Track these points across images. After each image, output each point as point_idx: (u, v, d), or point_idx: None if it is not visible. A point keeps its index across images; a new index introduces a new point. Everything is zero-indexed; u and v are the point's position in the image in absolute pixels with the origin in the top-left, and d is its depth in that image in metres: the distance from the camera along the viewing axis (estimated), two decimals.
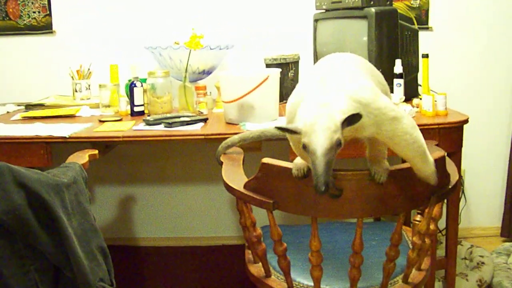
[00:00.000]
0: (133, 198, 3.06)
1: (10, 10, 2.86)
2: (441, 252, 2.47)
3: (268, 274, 1.54)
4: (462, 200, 2.95)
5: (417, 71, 2.48)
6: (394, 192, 1.29)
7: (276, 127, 1.16)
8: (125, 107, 2.41)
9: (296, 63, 2.63)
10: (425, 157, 1.27)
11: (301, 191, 1.30)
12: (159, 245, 3.05)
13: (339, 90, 1.15)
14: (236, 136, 1.77)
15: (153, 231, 3.09)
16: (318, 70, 1.28)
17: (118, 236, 3.04)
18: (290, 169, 1.29)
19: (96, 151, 1.79)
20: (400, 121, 1.20)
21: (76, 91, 2.66)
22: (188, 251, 3.00)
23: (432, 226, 1.46)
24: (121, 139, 2.00)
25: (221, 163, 1.71)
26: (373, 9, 2.24)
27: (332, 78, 1.20)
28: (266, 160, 1.33)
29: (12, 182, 1.29)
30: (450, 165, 1.44)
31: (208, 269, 2.81)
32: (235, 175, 1.55)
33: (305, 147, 1.10)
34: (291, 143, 1.37)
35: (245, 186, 1.41)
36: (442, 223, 2.40)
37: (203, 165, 3.00)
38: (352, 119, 1.09)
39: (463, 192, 2.94)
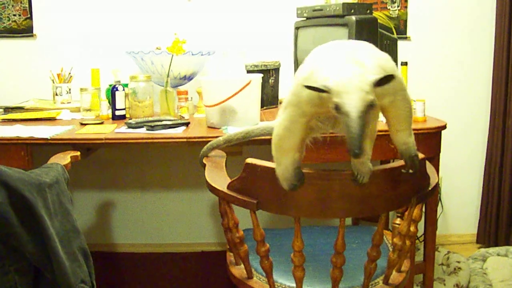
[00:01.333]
0: (112, 204, 3.04)
1: None
2: (419, 258, 2.51)
3: (250, 276, 1.54)
4: (439, 207, 2.99)
5: None
6: (376, 192, 1.31)
7: (304, 86, 1.11)
8: (106, 111, 2.41)
9: (277, 70, 2.65)
10: (411, 127, 1.32)
11: (285, 192, 1.31)
12: (138, 251, 3.03)
13: (368, 56, 1.16)
14: (220, 138, 1.78)
15: (132, 237, 3.07)
16: (335, 44, 1.27)
17: (97, 242, 3.01)
18: (274, 169, 1.30)
19: (78, 153, 1.79)
20: (407, 93, 1.26)
21: (56, 94, 2.64)
22: (168, 257, 2.98)
23: (412, 228, 1.48)
24: (103, 141, 1.99)
25: (204, 166, 1.72)
26: (353, 18, 2.28)
27: (359, 47, 1.22)
28: (250, 160, 1.35)
29: None
30: (429, 168, 1.47)
31: (188, 275, 2.79)
32: (218, 177, 1.56)
33: (337, 108, 1.09)
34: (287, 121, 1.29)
35: (228, 187, 1.41)
36: (419, 230, 2.43)
37: (183, 172, 3.00)
38: (385, 80, 1.09)
39: (440, 199, 2.99)
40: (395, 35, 2.79)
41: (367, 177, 1.27)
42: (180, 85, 2.62)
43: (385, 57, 1.23)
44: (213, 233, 3.08)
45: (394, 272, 1.54)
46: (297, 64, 2.69)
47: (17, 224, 1.32)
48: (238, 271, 1.59)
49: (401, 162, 1.35)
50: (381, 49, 2.38)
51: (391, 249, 1.49)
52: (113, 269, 2.86)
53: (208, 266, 2.88)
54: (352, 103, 1.07)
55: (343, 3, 2.32)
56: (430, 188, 1.42)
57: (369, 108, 1.08)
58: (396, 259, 1.46)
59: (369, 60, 1.15)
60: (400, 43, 2.58)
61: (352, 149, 1.06)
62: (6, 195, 1.29)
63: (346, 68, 1.11)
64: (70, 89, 2.67)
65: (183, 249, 3.05)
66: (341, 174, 1.28)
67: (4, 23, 2.85)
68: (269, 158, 1.89)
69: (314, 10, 2.50)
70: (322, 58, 1.21)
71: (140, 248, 3.05)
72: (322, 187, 1.28)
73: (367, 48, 1.24)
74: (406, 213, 1.42)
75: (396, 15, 2.91)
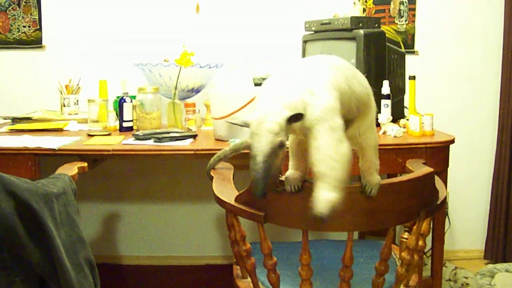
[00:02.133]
0: (118, 216, 3.04)
1: (0, 24, 2.86)
2: (426, 274, 2.48)
3: None
4: (446, 222, 2.97)
5: (404, 93, 2.53)
6: (385, 206, 1.30)
7: (227, 121, 1.18)
8: (113, 123, 2.41)
9: None
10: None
11: (293, 204, 1.30)
12: (143, 264, 3.02)
13: (297, 83, 1.17)
14: (227, 148, 1.77)
15: (136, 249, 3.06)
16: (284, 69, 1.28)
17: (102, 253, 3.00)
18: (282, 182, 1.30)
19: (86, 164, 1.79)
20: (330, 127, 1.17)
21: (64, 105, 2.65)
22: (173, 270, 2.97)
23: (420, 242, 1.47)
24: (110, 152, 1.99)
25: (211, 178, 1.71)
26: (361, 31, 2.28)
27: (295, 72, 1.23)
28: None
29: (1, 190, 1.27)
30: (438, 182, 1.46)
31: None
32: (225, 189, 1.55)
33: (249, 148, 1.13)
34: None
35: (236, 199, 1.41)
36: (427, 246, 2.41)
37: (189, 184, 2.99)
38: (296, 118, 1.11)
39: (447, 214, 2.97)
40: (403, 49, 2.79)
41: (375, 190, 1.27)
42: (188, 98, 2.63)
43: (321, 82, 1.18)
44: (218, 246, 3.07)
45: (402, 287, 1.52)
46: None
47: (23, 234, 1.32)
48: (245, 284, 1.58)
49: (410, 176, 1.35)
50: (389, 63, 2.40)
51: (398, 264, 1.48)
52: (118, 282, 2.85)
53: (213, 279, 2.87)
54: (259, 146, 1.11)
55: (351, 17, 2.32)
56: (438, 202, 1.41)
57: (277, 150, 1.12)
58: (404, 273, 1.44)
59: (296, 91, 1.15)
60: (408, 58, 2.58)
61: (254, 191, 1.11)
62: (14, 205, 1.29)
63: (266, 104, 1.14)
64: (78, 101, 2.68)
65: (188, 262, 3.03)
66: (349, 187, 1.27)
67: (14, 34, 2.87)
68: None
69: (322, 24, 2.51)
70: (263, 86, 1.24)
71: (145, 260, 3.04)
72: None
73: (311, 72, 1.22)
74: (415, 227, 1.41)
75: (404, 30, 2.91)
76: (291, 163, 1.40)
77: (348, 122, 1.27)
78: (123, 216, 3.04)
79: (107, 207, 3.03)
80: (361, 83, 1.30)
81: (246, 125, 1.14)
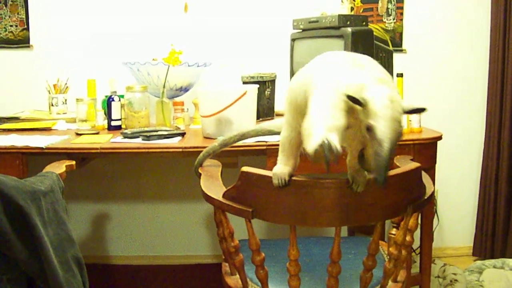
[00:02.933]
0: (107, 215, 3.03)
1: None
2: (415, 271, 2.49)
3: (245, 286, 1.53)
4: (435, 220, 2.99)
5: None
6: (372, 201, 1.31)
7: (346, 95, 1.08)
8: (102, 122, 2.41)
9: (272, 81, 2.65)
10: None
11: (280, 200, 1.31)
12: (133, 264, 3.01)
13: (385, 73, 1.17)
14: (215, 143, 1.77)
15: (126, 249, 3.05)
16: (339, 55, 1.27)
17: (91, 254, 2.99)
18: (269, 177, 1.30)
19: (73, 162, 1.78)
20: None
21: (52, 105, 2.64)
22: (162, 269, 2.96)
23: (408, 237, 1.48)
24: (99, 150, 1.99)
25: (199, 175, 1.71)
26: (349, 29, 2.29)
27: (368, 65, 1.21)
28: (245, 168, 1.34)
29: None
30: (425, 177, 1.47)
31: None
32: (213, 186, 1.55)
33: (369, 129, 1.08)
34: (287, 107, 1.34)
35: (224, 195, 1.41)
36: (416, 243, 2.43)
37: (178, 183, 2.99)
38: (415, 111, 1.11)
39: (436, 212, 2.99)
40: (391, 48, 2.80)
41: (362, 186, 1.27)
42: (176, 96, 2.62)
43: (387, 73, 1.24)
44: (208, 245, 3.06)
45: (390, 282, 1.53)
46: (293, 75, 2.69)
47: (10, 232, 1.31)
48: (233, 281, 1.58)
49: (397, 171, 1.36)
50: (377, 61, 2.41)
51: (387, 260, 1.49)
52: (107, 282, 2.84)
53: (203, 278, 2.86)
54: (387, 132, 1.06)
55: (339, 15, 2.33)
56: (425, 197, 1.41)
57: (399, 138, 1.08)
58: (392, 268, 1.45)
59: (390, 79, 1.15)
60: (395, 56, 2.60)
61: (378, 177, 1.07)
62: (0, 202, 1.29)
63: (385, 89, 1.10)
64: (66, 100, 2.67)
65: (178, 261, 3.03)
66: (336, 182, 1.28)
67: (0, 33, 2.85)
68: (264, 168, 1.89)
69: (310, 22, 2.52)
70: (341, 68, 1.20)
71: (134, 260, 3.03)
72: (318, 195, 1.28)
73: (375, 64, 1.24)
74: (402, 222, 1.42)
75: (391, 28, 2.93)
76: (280, 158, 1.40)
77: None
78: (112, 215, 3.03)
79: (96, 207, 3.02)
80: None
81: (364, 102, 1.07)
